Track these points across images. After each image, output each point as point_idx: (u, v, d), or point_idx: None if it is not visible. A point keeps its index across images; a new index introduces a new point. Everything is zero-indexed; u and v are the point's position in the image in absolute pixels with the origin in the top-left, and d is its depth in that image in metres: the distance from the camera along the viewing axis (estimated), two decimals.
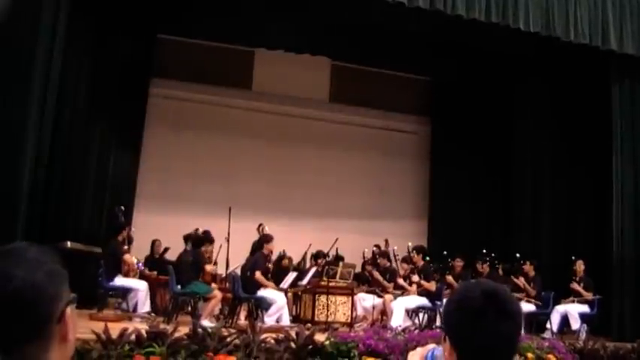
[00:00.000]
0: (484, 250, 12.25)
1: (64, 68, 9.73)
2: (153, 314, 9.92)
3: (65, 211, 10.91)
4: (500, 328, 1.69)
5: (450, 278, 11.29)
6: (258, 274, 10.02)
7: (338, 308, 10.56)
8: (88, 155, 12.20)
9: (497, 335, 1.69)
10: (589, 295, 11.15)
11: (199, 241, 10.22)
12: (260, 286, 10.02)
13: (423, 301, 10.73)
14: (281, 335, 7.20)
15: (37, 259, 1.34)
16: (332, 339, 7.19)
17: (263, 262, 10.29)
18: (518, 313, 1.74)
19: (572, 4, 11.28)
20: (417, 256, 11.37)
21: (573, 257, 11.57)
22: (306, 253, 12.79)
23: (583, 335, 10.47)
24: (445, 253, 12.20)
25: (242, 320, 10.19)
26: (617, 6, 11.68)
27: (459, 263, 11.72)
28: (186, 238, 10.37)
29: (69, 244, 10.20)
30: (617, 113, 11.93)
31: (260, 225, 11.57)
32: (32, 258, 1.33)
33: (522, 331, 10.06)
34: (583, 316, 11.16)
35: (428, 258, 11.45)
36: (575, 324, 11.06)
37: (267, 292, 10.05)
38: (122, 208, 11.51)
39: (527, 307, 11.17)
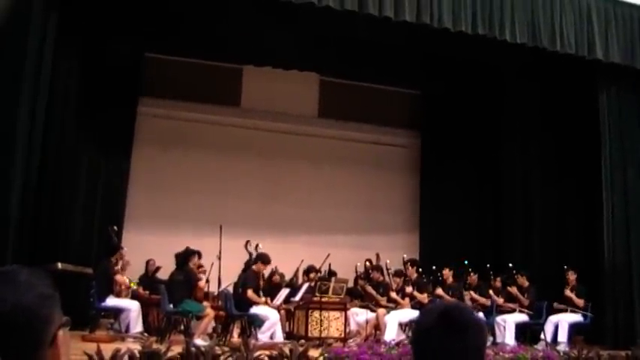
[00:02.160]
0: (434, 267, 12.17)
1: (52, 88, 9.72)
2: (146, 334, 9.83)
3: (55, 231, 10.85)
4: (448, 344, 1.72)
5: (439, 291, 11.24)
6: (250, 293, 9.98)
7: (331, 324, 10.51)
8: (77, 175, 12.18)
9: (445, 352, 1.72)
10: (580, 302, 11.14)
11: (184, 258, 10.17)
12: (252, 303, 9.99)
13: (417, 314, 10.66)
14: (275, 352, 7.17)
15: (28, 282, 1.32)
16: (326, 354, 7.17)
17: (253, 280, 10.25)
18: (471, 329, 1.76)
19: (557, 15, 11.35)
20: (410, 269, 11.36)
21: (565, 267, 11.58)
22: (298, 269, 12.75)
23: (564, 347, 10.34)
24: (434, 267, 12.13)
25: (235, 338, 10.14)
26: (602, 15, 11.76)
27: (448, 274, 11.68)
28: (177, 258, 10.31)
29: (59, 265, 10.13)
30: (605, 121, 12.00)
31: (248, 242, 11.48)
32: (24, 281, 1.32)
33: (515, 343, 10.08)
34: (575, 326, 11.15)
35: (421, 270, 11.44)
36: (563, 335, 10.99)
37: (260, 309, 10.02)
38: (115, 228, 11.47)
39: (520, 317, 11.18)
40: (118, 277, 10.34)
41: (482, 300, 11.53)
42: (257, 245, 11.28)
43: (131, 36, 12.74)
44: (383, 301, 11.31)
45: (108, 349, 6.41)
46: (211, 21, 11.96)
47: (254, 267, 10.34)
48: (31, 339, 1.28)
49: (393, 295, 11.16)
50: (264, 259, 10.42)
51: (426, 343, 1.77)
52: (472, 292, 11.65)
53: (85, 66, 11.51)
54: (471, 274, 11.96)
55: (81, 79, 11.38)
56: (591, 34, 11.60)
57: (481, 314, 10.88)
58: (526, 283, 11.41)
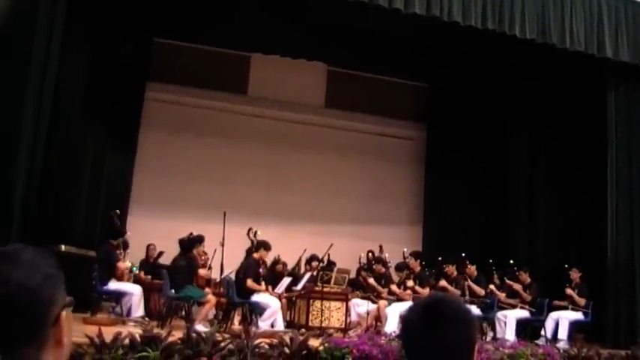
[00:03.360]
0: (440, 258, 12.21)
1: (60, 71, 9.72)
2: (147, 318, 9.87)
3: (60, 214, 10.88)
4: (428, 339, 1.67)
5: (443, 282, 11.22)
6: (249, 282, 9.97)
7: (332, 314, 10.53)
8: (83, 159, 12.20)
9: (424, 346, 1.68)
10: (581, 301, 11.14)
11: (189, 244, 10.19)
12: (254, 291, 10.00)
13: None
14: (275, 340, 7.21)
15: (32, 261, 1.31)
16: (326, 344, 7.19)
17: (254, 268, 10.24)
18: (452, 324, 1.69)
19: (567, 12, 11.31)
20: (414, 262, 11.35)
21: (566, 265, 11.58)
22: (300, 258, 12.78)
23: (564, 344, 10.35)
24: (440, 258, 12.15)
25: (236, 325, 10.16)
26: (613, 14, 11.71)
27: (452, 269, 11.67)
28: (180, 243, 10.34)
29: (63, 247, 10.17)
30: (612, 120, 11.96)
31: (250, 229, 11.47)
32: (28, 260, 1.31)
33: (516, 339, 10.08)
34: (576, 323, 11.16)
35: (424, 262, 11.43)
36: (563, 333, 10.99)
37: (261, 297, 10.03)
38: (117, 212, 11.48)
39: (521, 313, 11.17)
40: (120, 264, 10.37)
41: (478, 290, 11.45)
42: (255, 232, 11.27)
43: (140, 21, 12.70)
44: (384, 292, 11.31)
45: (109, 332, 6.45)
46: (220, 8, 11.94)
47: (255, 255, 10.34)
48: (35, 320, 1.28)
49: (394, 287, 11.16)
50: (265, 245, 10.42)
51: (408, 336, 1.74)
52: (470, 283, 11.55)
53: (94, 51, 11.51)
54: (468, 264, 11.83)
55: (90, 63, 11.38)
56: (601, 32, 11.55)
57: (477, 309, 10.87)
58: (528, 280, 11.40)
